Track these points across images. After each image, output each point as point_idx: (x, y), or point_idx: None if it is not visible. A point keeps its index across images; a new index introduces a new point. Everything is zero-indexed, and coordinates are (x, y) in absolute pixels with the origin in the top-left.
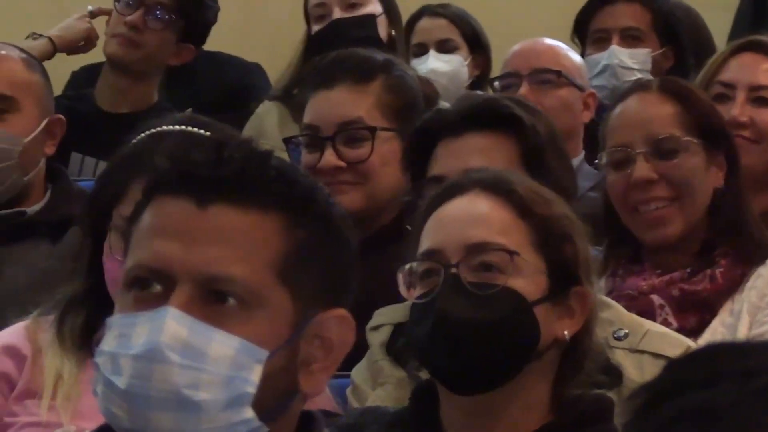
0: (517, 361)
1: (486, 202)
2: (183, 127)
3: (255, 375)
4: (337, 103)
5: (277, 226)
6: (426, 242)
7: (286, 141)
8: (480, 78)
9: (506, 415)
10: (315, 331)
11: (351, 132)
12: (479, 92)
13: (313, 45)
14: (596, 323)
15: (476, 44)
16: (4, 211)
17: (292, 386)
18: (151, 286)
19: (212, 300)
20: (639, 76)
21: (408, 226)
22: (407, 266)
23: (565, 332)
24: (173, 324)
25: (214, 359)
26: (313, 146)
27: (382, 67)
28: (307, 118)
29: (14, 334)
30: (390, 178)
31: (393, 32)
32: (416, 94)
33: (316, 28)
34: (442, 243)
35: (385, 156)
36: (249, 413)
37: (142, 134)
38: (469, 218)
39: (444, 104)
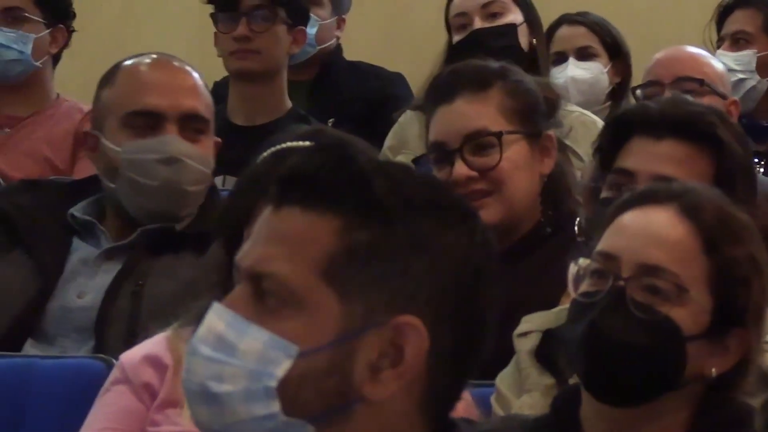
0: (655, 388)
1: (677, 223)
2: (308, 143)
3: (280, 369)
4: (460, 116)
5: (333, 228)
6: (605, 243)
7: (415, 161)
8: (620, 86)
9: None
10: (385, 337)
11: (477, 141)
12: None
13: (454, 55)
14: (755, 367)
15: (616, 52)
16: (152, 226)
17: (347, 390)
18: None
19: (261, 297)
20: (741, 77)
21: (547, 229)
22: (581, 261)
23: (713, 370)
24: (213, 318)
25: (243, 353)
26: (442, 162)
27: (499, 73)
28: (432, 135)
29: (156, 344)
30: (523, 182)
31: (534, 41)
32: (536, 96)
33: (457, 38)
34: (620, 251)
35: (514, 159)
36: (274, 407)
37: (266, 152)
38: (654, 236)
39: (573, 108)
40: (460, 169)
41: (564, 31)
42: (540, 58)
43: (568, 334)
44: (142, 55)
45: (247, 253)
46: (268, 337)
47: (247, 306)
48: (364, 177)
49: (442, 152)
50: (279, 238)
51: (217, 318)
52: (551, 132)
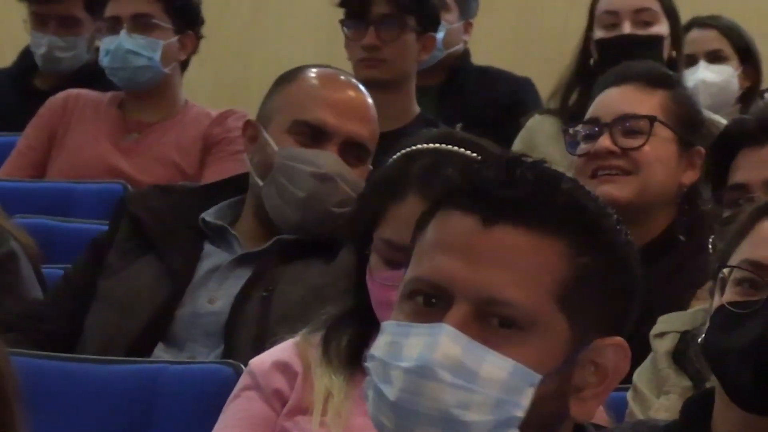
0: None
1: None
2: (436, 145)
3: (526, 399)
4: (622, 98)
5: (561, 252)
6: (752, 252)
7: (565, 131)
8: (750, 90)
9: None
10: (590, 358)
11: (630, 123)
12: None
13: (593, 50)
14: None
15: (747, 56)
16: (288, 236)
17: (562, 411)
18: (430, 300)
19: (488, 321)
20: None
21: (681, 237)
22: (725, 269)
23: None
24: (448, 342)
25: (486, 380)
26: (591, 136)
27: (673, 80)
28: (590, 113)
29: (285, 350)
30: (661, 176)
31: (674, 53)
32: (701, 115)
33: (600, 33)
34: None
35: (659, 151)
36: None
37: (396, 155)
38: None
39: (713, 116)
40: (604, 141)
41: (695, 34)
42: (678, 71)
43: (716, 339)
44: (327, 67)
45: (462, 275)
46: (513, 365)
47: (472, 330)
48: (578, 199)
49: (594, 125)
50: (506, 262)
51: (453, 342)
52: (702, 150)
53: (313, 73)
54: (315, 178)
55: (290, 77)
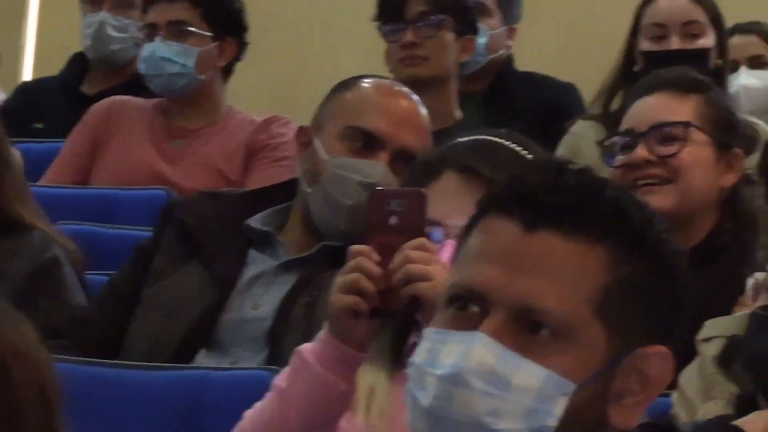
0: None
1: None
2: (476, 137)
3: (558, 408)
4: (655, 107)
5: (602, 260)
6: None
7: (601, 143)
8: None
9: None
10: (633, 365)
11: (665, 131)
12: None
13: (638, 58)
14: None
15: None
16: (334, 243)
17: (600, 419)
18: (469, 307)
19: (525, 329)
20: None
21: (726, 243)
22: (757, 275)
23: None
24: (481, 350)
25: (518, 389)
26: (626, 147)
27: (704, 84)
28: (624, 124)
29: None
30: (701, 180)
31: (720, 62)
32: (735, 117)
33: (647, 45)
34: None
35: (697, 156)
36: None
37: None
38: None
39: (750, 118)
40: (641, 151)
41: (736, 40)
42: (723, 81)
43: (754, 343)
44: (384, 78)
45: (501, 282)
46: (545, 374)
47: (507, 337)
48: (624, 207)
49: (628, 137)
50: (545, 269)
51: (485, 350)
52: (740, 152)
53: (369, 82)
54: (363, 187)
55: (346, 85)
